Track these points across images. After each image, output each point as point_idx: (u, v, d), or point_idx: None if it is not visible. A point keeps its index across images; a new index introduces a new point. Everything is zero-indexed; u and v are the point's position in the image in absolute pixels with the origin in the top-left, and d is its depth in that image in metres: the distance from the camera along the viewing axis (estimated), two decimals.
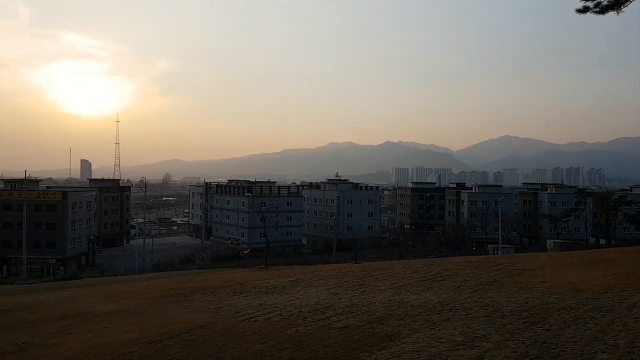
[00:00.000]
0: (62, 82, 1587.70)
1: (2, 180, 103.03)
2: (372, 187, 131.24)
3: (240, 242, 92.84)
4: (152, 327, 17.51)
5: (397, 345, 12.63)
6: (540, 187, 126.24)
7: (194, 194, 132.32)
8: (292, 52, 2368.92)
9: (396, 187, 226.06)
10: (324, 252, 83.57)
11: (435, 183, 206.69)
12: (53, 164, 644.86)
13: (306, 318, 16.90)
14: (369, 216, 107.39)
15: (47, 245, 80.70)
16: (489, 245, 76.21)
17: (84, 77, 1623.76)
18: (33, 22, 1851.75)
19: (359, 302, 19.65)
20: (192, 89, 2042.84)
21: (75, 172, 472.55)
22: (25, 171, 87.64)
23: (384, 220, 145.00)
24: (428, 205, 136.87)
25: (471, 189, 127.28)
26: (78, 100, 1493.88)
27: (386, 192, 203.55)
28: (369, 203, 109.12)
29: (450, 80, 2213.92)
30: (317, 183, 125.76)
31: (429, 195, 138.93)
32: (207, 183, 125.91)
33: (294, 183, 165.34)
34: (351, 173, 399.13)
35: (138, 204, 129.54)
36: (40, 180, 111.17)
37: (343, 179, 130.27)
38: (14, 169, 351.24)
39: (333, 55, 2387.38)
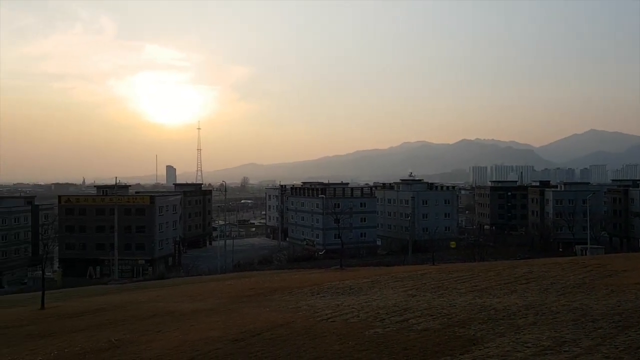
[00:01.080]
0: (147, 92, 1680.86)
1: (95, 186, 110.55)
2: (447, 187, 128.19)
3: (315, 243, 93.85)
4: (235, 325, 18.15)
5: (479, 350, 12.30)
6: (630, 183, 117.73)
7: (270, 196, 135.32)
8: (363, 53, 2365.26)
9: (474, 186, 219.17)
10: (398, 253, 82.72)
11: (516, 181, 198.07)
12: (141, 170, 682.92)
13: (384, 319, 16.84)
14: (445, 216, 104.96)
15: (136, 247, 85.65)
16: (576, 246, 72.15)
17: (167, 87, 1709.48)
18: (118, 35, 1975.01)
19: (437, 305, 19.30)
20: (268, 93, 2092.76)
21: (161, 178, 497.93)
22: (116, 177, 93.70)
23: (462, 221, 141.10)
24: (509, 204, 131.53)
25: (556, 186, 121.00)
26: (163, 109, 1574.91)
27: (463, 192, 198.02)
28: (445, 203, 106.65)
29: (530, 74, 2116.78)
30: (390, 183, 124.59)
31: (509, 194, 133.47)
32: (282, 185, 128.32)
33: (366, 184, 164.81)
34: (425, 173, 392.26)
35: (219, 206, 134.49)
36: (130, 186, 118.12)
37: (417, 178, 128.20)
38: (105, 175, 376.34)
39: (404, 53, 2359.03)
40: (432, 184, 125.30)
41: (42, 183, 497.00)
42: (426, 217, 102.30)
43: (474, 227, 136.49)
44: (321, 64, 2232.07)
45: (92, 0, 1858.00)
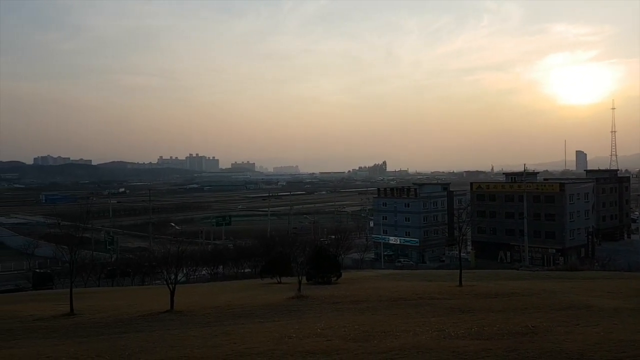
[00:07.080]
0: (555, 74, 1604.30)
1: (503, 173, 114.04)
2: None
3: None
4: None
5: None
6: None
7: None
8: None
9: None
10: None
11: None
12: (548, 156, 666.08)
13: None
14: None
15: (546, 235, 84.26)
16: None
17: (576, 66, 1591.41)
18: (523, 21, 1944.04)
19: None
20: None
21: (570, 164, 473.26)
22: (524, 164, 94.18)
23: None
24: None
25: None
26: (571, 90, 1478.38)
27: None
28: None
29: None
30: None
31: None
32: None
33: None
34: None
35: (638, 195, 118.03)
36: (537, 173, 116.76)
37: None
38: (512, 162, 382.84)
39: None
40: None
41: (455, 171, 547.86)
42: None
43: None
44: None
45: None
